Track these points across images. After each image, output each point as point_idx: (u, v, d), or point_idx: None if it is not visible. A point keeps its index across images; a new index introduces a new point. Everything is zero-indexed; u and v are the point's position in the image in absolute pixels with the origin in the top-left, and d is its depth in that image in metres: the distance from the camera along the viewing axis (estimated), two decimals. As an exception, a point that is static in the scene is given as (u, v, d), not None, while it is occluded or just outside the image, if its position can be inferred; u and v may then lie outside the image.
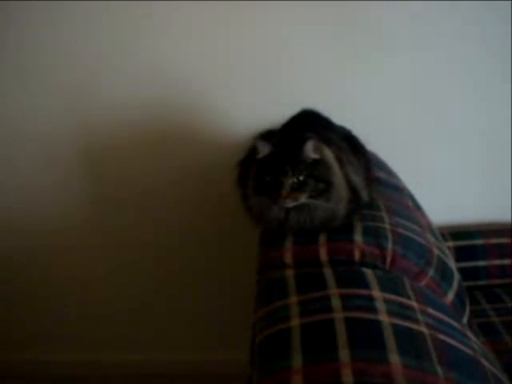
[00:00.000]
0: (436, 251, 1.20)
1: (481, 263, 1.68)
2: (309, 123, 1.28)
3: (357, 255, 1.07)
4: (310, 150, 1.09)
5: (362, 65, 1.69)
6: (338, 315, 0.84)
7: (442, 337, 0.86)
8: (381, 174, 1.45)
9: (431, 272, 1.14)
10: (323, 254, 1.07)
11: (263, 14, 1.64)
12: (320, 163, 1.11)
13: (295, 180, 1.08)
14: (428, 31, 1.65)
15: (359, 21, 1.65)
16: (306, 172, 1.09)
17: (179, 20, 1.66)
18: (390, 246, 1.10)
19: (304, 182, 1.09)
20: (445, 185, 1.81)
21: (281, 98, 1.70)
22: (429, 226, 1.35)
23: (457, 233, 1.75)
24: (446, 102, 1.73)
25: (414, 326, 0.85)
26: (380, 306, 0.88)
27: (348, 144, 1.28)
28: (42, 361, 2.14)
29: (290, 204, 1.09)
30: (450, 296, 1.17)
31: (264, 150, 1.11)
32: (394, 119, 1.75)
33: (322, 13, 1.63)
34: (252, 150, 1.29)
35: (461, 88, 1.72)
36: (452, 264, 1.26)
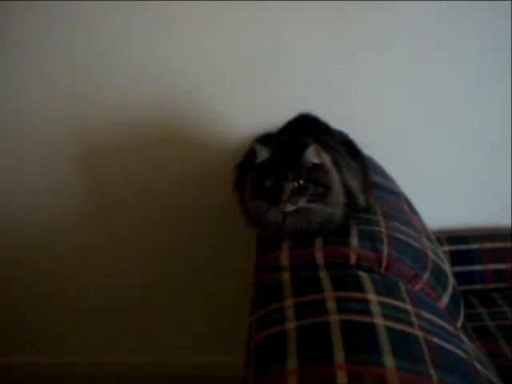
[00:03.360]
0: (431, 255, 1.21)
1: (476, 267, 1.69)
2: (306, 127, 1.29)
3: (353, 259, 1.07)
4: (311, 154, 1.10)
5: (363, 68, 1.71)
6: (334, 318, 0.85)
7: (436, 340, 0.86)
8: (377, 178, 1.46)
9: (426, 276, 1.15)
10: (319, 257, 1.08)
11: (264, 15, 1.65)
12: (319, 168, 1.12)
13: (296, 184, 1.09)
14: (428, 31, 1.66)
15: (360, 22, 1.66)
16: (306, 177, 1.10)
17: (179, 21, 1.66)
18: (385, 249, 1.11)
19: (304, 186, 1.10)
20: (441, 189, 1.82)
21: (280, 102, 1.70)
22: (424, 230, 1.35)
23: (452, 237, 1.75)
24: (443, 106, 1.74)
25: (409, 330, 0.85)
26: (375, 309, 0.88)
27: (345, 148, 1.29)
28: (41, 363, 2.15)
29: (290, 208, 1.10)
30: (445, 300, 1.17)
31: (263, 154, 1.12)
32: (393, 123, 1.76)
33: (323, 14, 1.64)
34: (250, 154, 1.30)
35: (459, 90, 1.73)
36: (447, 268, 1.27)
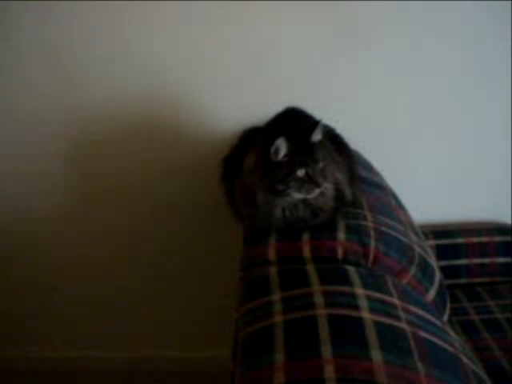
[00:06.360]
0: (418, 249, 1.21)
1: (462, 262, 1.70)
2: (293, 121, 1.28)
3: (340, 253, 1.08)
4: (319, 132, 1.13)
5: (349, 65, 1.70)
6: (321, 312, 0.85)
7: (422, 334, 0.86)
8: (364, 173, 1.46)
9: (413, 270, 1.15)
10: (306, 251, 1.08)
11: (250, 13, 1.64)
12: (322, 144, 1.15)
13: (321, 166, 1.12)
14: (421, 31, 1.66)
15: (347, 21, 1.65)
16: (322, 157, 1.12)
17: (167, 18, 1.65)
18: (372, 243, 1.11)
19: (323, 167, 1.13)
20: (427, 184, 1.82)
21: (266, 96, 1.69)
22: (411, 225, 1.36)
23: (439, 231, 1.76)
24: (433, 102, 1.74)
25: (396, 323, 0.86)
26: (362, 303, 0.88)
27: (332, 142, 1.29)
28: (26, 357, 2.14)
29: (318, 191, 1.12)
30: (431, 294, 1.18)
31: (283, 149, 1.10)
32: (381, 118, 1.75)
33: (310, 13, 1.63)
34: (237, 148, 1.29)
35: (447, 85, 1.72)
36: (433, 262, 1.27)
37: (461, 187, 1.83)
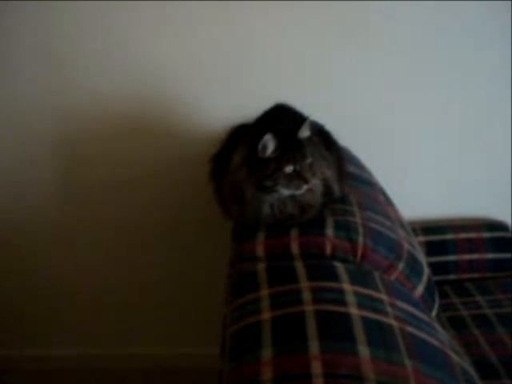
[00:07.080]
0: (406, 245, 1.21)
1: (451, 258, 1.71)
2: (282, 117, 1.28)
3: (328, 249, 1.08)
4: (307, 128, 1.13)
5: (349, 65, 1.71)
6: (309, 308, 0.85)
7: (410, 329, 0.87)
8: (353, 169, 1.46)
9: (401, 266, 1.15)
10: (295, 247, 1.08)
11: (249, 13, 1.64)
12: (310, 140, 1.15)
13: (308, 162, 1.12)
14: (421, 31, 1.66)
15: (335, 20, 1.66)
16: (310, 153, 1.13)
17: (156, 17, 1.65)
18: (360, 239, 1.11)
19: (311, 163, 1.13)
20: (416, 180, 1.83)
21: (254, 93, 1.69)
22: (399, 221, 1.36)
23: (428, 227, 1.77)
24: (432, 101, 1.75)
25: (383, 319, 0.86)
26: (350, 299, 0.89)
27: (320, 139, 1.29)
28: (33, 356, 2.14)
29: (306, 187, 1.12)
30: (420, 289, 1.18)
31: (271, 145, 1.10)
32: (379, 116, 1.76)
33: (309, 13, 1.64)
34: (226, 144, 1.29)
35: (448, 87, 1.73)
36: (422, 258, 1.28)
37: (449, 183, 1.84)
